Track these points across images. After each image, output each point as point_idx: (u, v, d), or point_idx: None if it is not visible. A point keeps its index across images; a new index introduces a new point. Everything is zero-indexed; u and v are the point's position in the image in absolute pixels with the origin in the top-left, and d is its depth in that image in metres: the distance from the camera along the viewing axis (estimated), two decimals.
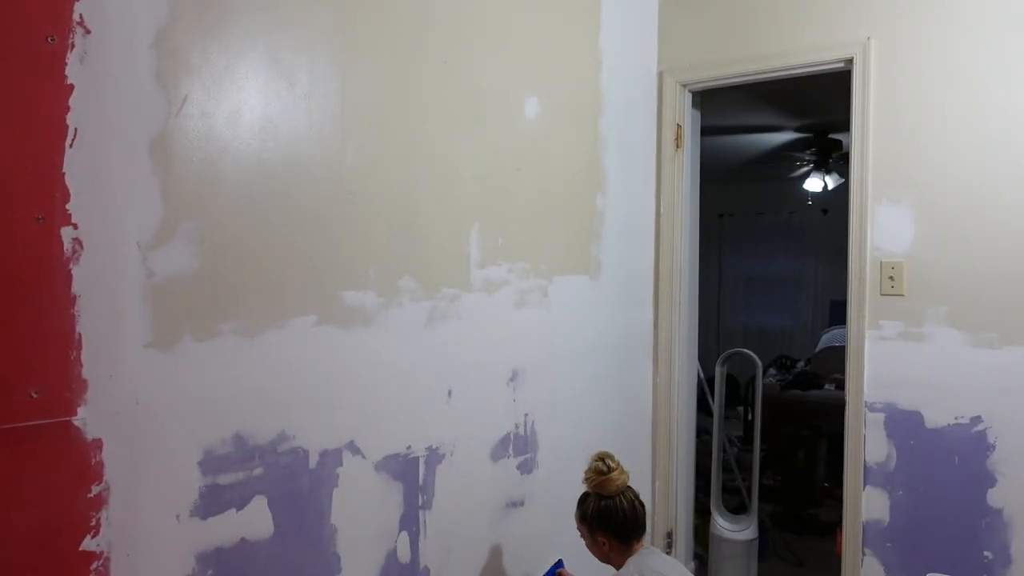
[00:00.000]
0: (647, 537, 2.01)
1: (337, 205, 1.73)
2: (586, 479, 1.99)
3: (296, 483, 1.65)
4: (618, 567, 1.95)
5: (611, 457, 2.00)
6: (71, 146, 1.25)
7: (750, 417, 5.33)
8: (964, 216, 2.44)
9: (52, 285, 1.23)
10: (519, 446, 2.35)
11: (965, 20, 2.44)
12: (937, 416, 2.49)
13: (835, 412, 3.08)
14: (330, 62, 1.70)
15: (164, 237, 1.39)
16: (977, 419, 2.42)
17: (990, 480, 2.39)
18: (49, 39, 1.23)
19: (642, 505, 1.99)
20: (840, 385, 4.44)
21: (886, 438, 2.57)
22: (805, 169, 6.03)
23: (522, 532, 2.38)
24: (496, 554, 2.27)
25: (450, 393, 2.07)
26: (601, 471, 1.97)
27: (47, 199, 1.23)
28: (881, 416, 2.58)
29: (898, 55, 2.55)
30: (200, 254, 1.45)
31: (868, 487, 2.60)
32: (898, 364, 2.55)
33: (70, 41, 1.25)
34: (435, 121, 2.00)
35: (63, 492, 1.26)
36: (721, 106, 4.44)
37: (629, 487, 1.98)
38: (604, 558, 2.00)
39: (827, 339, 6.26)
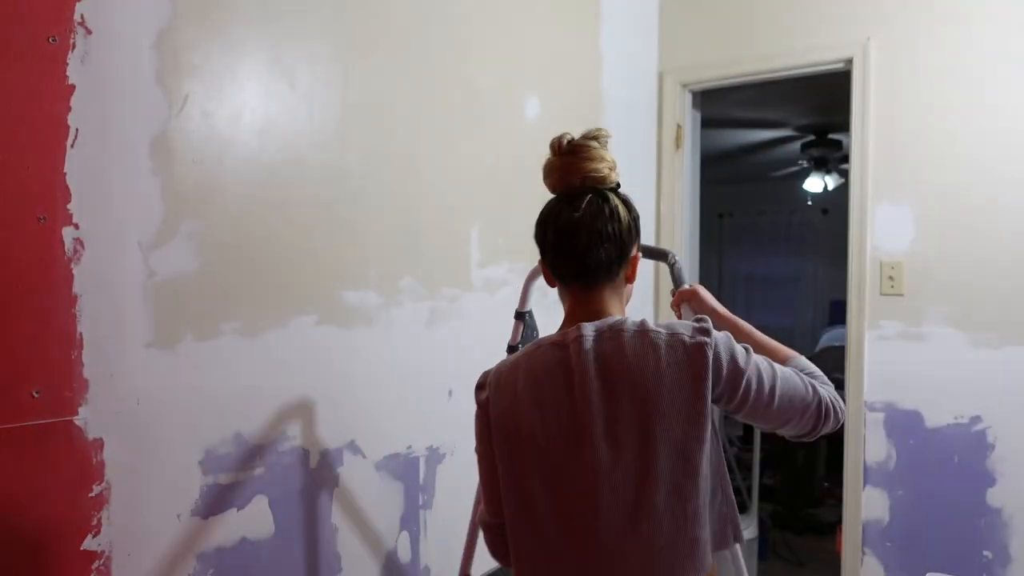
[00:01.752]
0: None
1: (337, 205, 1.73)
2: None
3: (296, 483, 1.65)
4: None
5: (599, 131, 1.19)
6: (72, 146, 1.25)
7: None
8: (964, 216, 2.44)
9: (53, 285, 1.24)
10: None
11: (965, 20, 2.44)
12: (937, 416, 2.49)
13: None
14: (330, 62, 1.70)
15: (165, 237, 1.39)
16: (977, 419, 2.42)
17: (990, 480, 2.40)
18: (50, 39, 1.23)
19: (612, 222, 1.13)
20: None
21: (886, 438, 2.57)
22: (805, 168, 6.03)
23: None
24: None
25: (451, 393, 2.07)
26: (558, 147, 1.21)
27: (48, 199, 1.23)
28: (881, 416, 2.58)
29: (898, 55, 2.55)
30: (201, 254, 1.45)
31: (868, 487, 2.60)
32: (898, 364, 2.55)
33: (71, 41, 1.25)
34: (435, 121, 2.00)
35: (64, 492, 1.26)
36: (723, 105, 4.44)
37: (606, 195, 1.15)
38: None
39: (827, 339, 6.26)
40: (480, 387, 1.15)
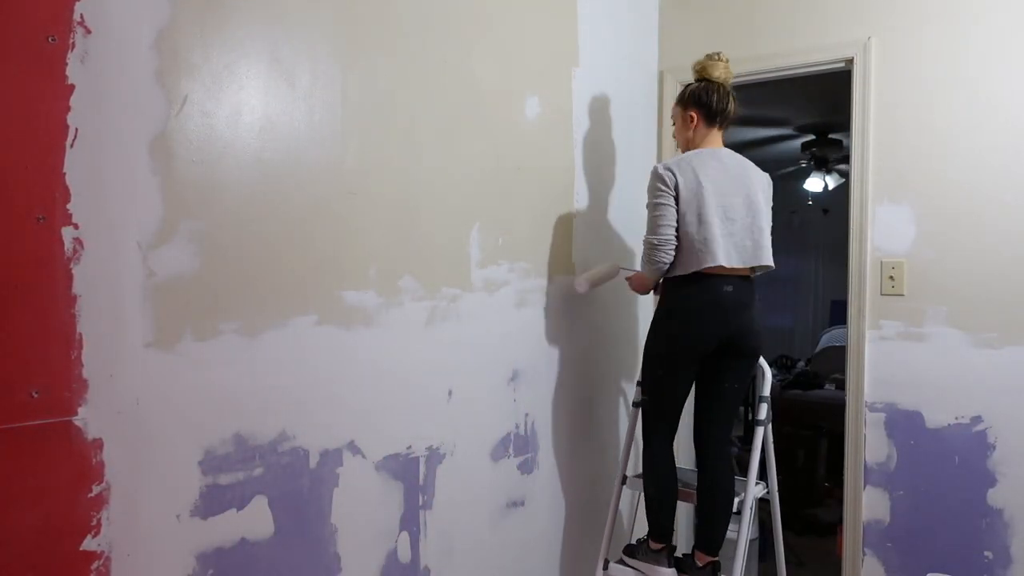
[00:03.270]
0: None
1: (337, 205, 1.73)
2: (694, 65, 2.32)
3: (296, 483, 1.65)
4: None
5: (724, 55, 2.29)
6: (72, 146, 1.25)
7: (750, 417, 5.32)
8: (965, 216, 2.44)
9: (53, 285, 1.24)
10: (519, 446, 2.35)
11: (965, 20, 2.44)
12: (937, 416, 2.49)
13: (835, 412, 3.08)
14: (330, 62, 1.70)
15: (164, 237, 1.39)
16: (977, 419, 2.42)
17: (990, 480, 2.39)
18: (50, 39, 1.23)
19: (733, 99, 2.27)
20: (840, 385, 4.44)
21: (886, 438, 2.57)
22: (805, 168, 6.03)
23: (522, 532, 2.38)
24: (496, 554, 2.27)
25: (450, 393, 2.07)
26: (711, 56, 2.27)
27: (48, 199, 1.23)
28: (881, 416, 2.58)
29: (898, 55, 2.55)
30: (200, 254, 1.45)
31: (868, 487, 2.60)
32: (898, 364, 2.55)
33: (71, 41, 1.25)
34: (435, 121, 2.00)
35: (64, 492, 1.26)
36: None
37: (731, 92, 2.28)
38: (685, 140, 2.32)
39: (827, 339, 6.25)
40: (668, 169, 2.16)
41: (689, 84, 2.31)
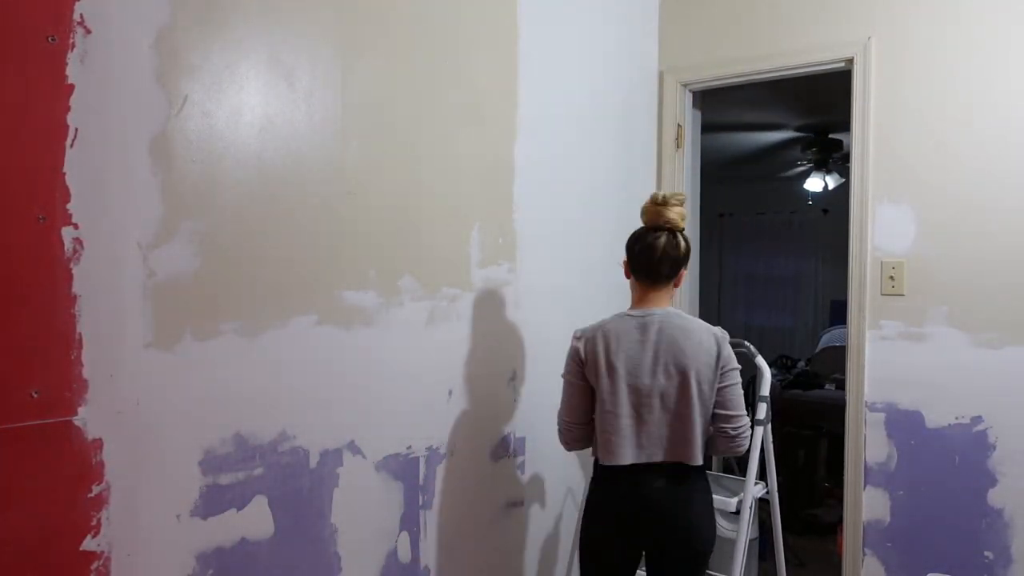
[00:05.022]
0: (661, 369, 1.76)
1: (337, 205, 1.73)
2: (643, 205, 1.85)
3: (296, 483, 1.65)
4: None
5: (680, 196, 1.80)
6: (72, 146, 1.25)
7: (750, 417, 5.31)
8: (965, 216, 2.44)
9: (53, 285, 1.24)
10: (519, 446, 2.35)
11: (965, 20, 2.44)
12: (938, 416, 2.48)
13: (835, 412, 3.08)
14: (330, 62, 1.70)
15: (164, 237, 1.39)
16: (978, 419, 2.42)
17: (990, 480, 2.39)
18: (50, 39, 1.23)
19: (676, 250, 1.78)
20: (840, 385, 4.44)
21: (887, 438, 2.57)
22: (805, 168, 6.03)
23: (522, 532, 2.38)
24: (496, 554, 2.27)
25: (450, 393, 2.07)
26: (656, 199, 1.80)
27: (48, 199, 1.23)
28: (881, 416, 2.58)
29: (898, 55, 2.55)
30: (200, 254, 1.45)
31: (869, 487, 2.60)
32: (898, 364, 2.55)
33: (71, 41, 1.25)
34: (435, 121, 2.00)
35: (64, 492, 1.26)
36: (723, 105, 4.44)
37: (676, 233, 1.79)
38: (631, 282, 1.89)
39: (827, 339, 6.24)
40: (577, 338, 1.83)
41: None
